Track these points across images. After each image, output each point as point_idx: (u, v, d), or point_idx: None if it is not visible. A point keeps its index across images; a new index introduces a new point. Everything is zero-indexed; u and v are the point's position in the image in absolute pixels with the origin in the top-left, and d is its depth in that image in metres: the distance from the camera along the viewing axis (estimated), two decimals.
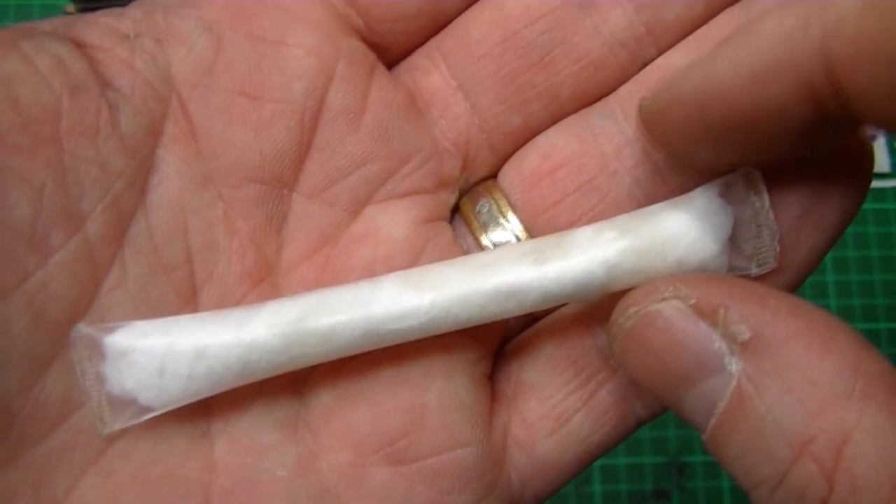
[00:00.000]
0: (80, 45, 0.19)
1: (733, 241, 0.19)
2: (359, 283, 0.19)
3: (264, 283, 0.20)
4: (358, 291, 0.19)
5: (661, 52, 0.21)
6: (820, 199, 0.19)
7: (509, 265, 0.19)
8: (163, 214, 0.19)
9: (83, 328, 0.18)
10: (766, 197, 0.18)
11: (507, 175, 0.22)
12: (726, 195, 0.19)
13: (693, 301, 0.16)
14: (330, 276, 0.20)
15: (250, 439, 0.19)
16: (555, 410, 0.20)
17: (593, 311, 0.21)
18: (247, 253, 0.19)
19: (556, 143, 0.21)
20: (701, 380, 0.16)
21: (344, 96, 0.20)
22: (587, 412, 0.20)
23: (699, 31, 0.20)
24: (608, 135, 0.21)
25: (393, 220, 0.21)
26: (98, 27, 0.19)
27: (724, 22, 0.20)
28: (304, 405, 0.20)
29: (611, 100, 0.21)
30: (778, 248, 0.19)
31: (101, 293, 0.18)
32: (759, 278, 0.19)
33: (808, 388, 0.14)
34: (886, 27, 0.13)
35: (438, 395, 0.20)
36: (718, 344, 0.15)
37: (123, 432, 0.19)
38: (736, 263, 0.19)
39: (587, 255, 0.18)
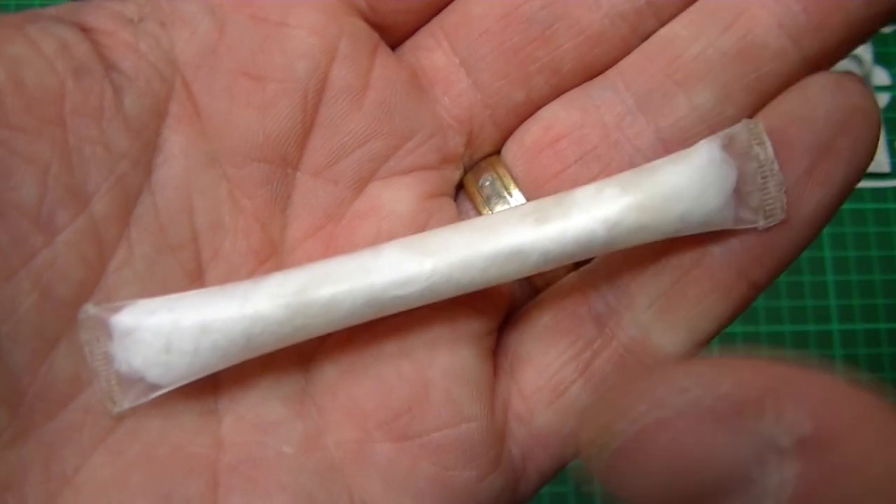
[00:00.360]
0: (84, 30, 0.19)
1: (738, 194, 0.18)
2: (361, 251, 0.19)
3: (270, 261, 0.20)
4: (360, 260, 0.19)
5: (662, 24, 0.21)
6: (828, 153, 0.18)
7: (510, 227, 0.18)
8: (168, 194, 0.19)
9: (89, 308, 0.18)
10: (769, 147, 0.18)
11: (510, 149, 0.22)
12: (729, 148, 0.19)
13: (720, 393, 0.12)
14: (334, 253, 0.20)
15: (257, 416, 0.19)
16: (552, 381, 0.20)
17: (588, 279, 0.21)
18: (252, 231, 0.20)
19: (557, 115, 0.21)
20: (729, 498, 0.12)
21: (346, 75, 0.20)
22: (584, 381, 0.20)
23: (700, 2, 0.20)
24: (610, 105, 0.21)
25: (396, 195, 0.21)
26: (103, 11, 0.19)
27: None
28: (310, 381, 0.20)
29: (612, 72, 0.21)
30: (785, 200, 0.19)
31: (108, 272, 0.19)
32: (768, 232, 0.19)
33: (887, 483, 0.11)
34: None
35: (443, 371, 0.20)
36: (752, 447, 0.12)
37: (132, 411, 0.18)
38: (742, 216, 0.19)
39: (588, 213, 0.18)
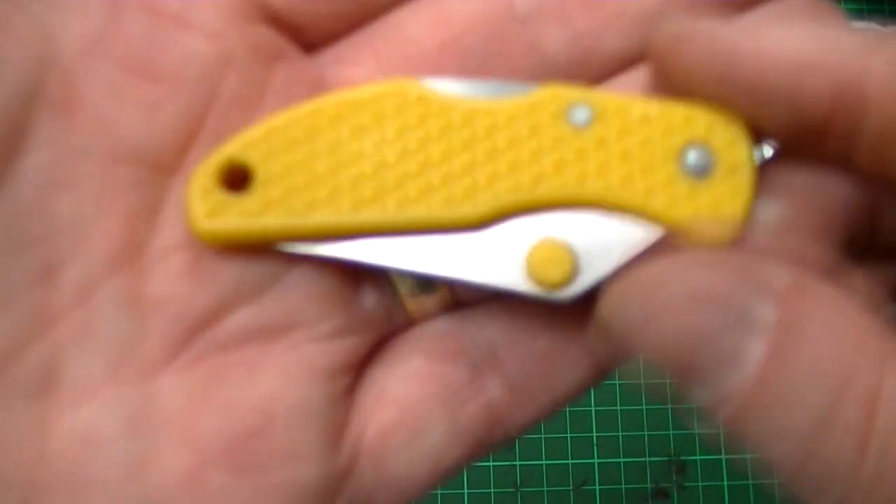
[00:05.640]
0: None
1: None
2: None
3: (131, 267, 0.18)
4: None
5: (590, 84, 0.20)
6: None
7: None
8: (29, 185, 0.18)
9: None
10: None
11: None
12: None
13: (704, 284, 0.15)
14: (202, 269, 0.19)
15: (88, 430, 0.18)
16: (414, 423, 0.19)
17: (466, 324, 0.20)
18: (115, 235, 0.18)
19: None
20: (718, 367, 0.15)
21: (239, 86, 0.19)
22: (447, 428, 0.19)
23: (627, 75, 0.20)
24: None
25: None
26: None
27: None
28: (150, 400, 0.19)
29: None
30: None
31: None
32: None
33: (834, 360, 0.14)
34: None
35: (291, 407, 0.18)
36: (735, 326, 0.14)
37: None
38: None
39: None
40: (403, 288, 0.19)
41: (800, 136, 0.17)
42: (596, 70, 0.20)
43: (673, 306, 0.15)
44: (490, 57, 0.20)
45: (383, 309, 0.19)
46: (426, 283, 0.19)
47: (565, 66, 0.20)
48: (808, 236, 0.18)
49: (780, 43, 0.16)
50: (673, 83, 0.18)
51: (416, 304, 0.19)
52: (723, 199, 0.18)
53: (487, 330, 0.20)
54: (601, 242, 0.18)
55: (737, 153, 0.18)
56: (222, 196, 0.18)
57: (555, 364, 0.19)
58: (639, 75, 0.20)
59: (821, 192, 0.18)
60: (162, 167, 0.19)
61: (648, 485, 0.47)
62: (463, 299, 0.20)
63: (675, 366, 0.15)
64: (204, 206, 0.18)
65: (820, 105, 0.16)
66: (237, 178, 0.18)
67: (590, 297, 0.18)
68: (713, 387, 0.15)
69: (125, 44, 0.19)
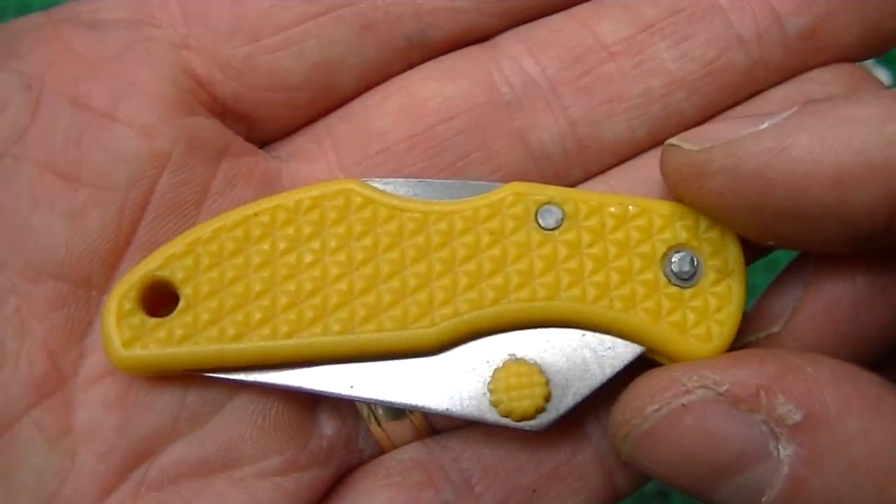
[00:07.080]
0: None
1: None
2: None
3: (54, 397, 0.17)
4: None
5: (587, 176, 0.18)
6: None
7: None
8: None
9: None
10: None
11: None
12: None
13: (725, 388, 0.14)
14: (134, 399, 0.16)
15: None
16: None
17: (436, 456, 0.17)
18: (37, 360, 0.16)
19: None
20: (741, 471, 0.14)
21: (176, 187, 0.17)
22: None
23: (630, 164, 0.18)
24: None
25: None
26: None
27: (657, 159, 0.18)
28: None
29: None
30: None
31: None
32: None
33: (874, 459, 0.13)
34: None
35: None
36: (761, 430, 0.14)
37: None
38: None
39: None
40: (367, 413, 0.17)
41: (857, 246, 0.15)
42: (595, 162, 0.18)
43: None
44: (469, 150, 0.18)
45: (344, 438, 0.17)
46: (394, 408, 0.17)
47: (559, 158, 0.18)
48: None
49: (816, 155, 0.14)
50: (699, 210, 0.16)
51: (382, 431, 0.17)
52: (711, 308, 0.16)
53: (462, 460, 0.17)
54: (577, 363, 0.16)
55: (726, 254, 0.16)
56: (143, 320, 0.15)
57: (543, 498, 0.17)
58: (644, 165, 0.18)
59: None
60: (89, 282, 0.17)
61: (649, 485, 0.46)
62: (439, 425, 0.17)
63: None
64: (122, 333, 0.15)
65: (878, 213, 0.14)
66: (160, 298, 0.16)
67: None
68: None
69: (46, 142, 0.17)
